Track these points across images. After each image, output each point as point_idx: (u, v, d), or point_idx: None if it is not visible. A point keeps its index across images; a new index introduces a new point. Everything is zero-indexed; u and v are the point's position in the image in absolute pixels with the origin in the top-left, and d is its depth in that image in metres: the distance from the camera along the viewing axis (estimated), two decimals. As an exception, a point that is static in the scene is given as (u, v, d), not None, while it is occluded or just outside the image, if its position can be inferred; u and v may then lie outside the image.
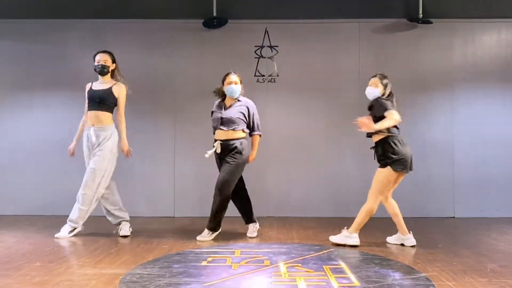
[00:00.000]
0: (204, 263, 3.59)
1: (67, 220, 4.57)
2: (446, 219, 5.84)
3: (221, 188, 4.34)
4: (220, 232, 4.58)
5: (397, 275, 3.24)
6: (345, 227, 4.32)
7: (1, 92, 6.09)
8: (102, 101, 4.57)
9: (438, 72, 6.04)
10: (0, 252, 3.90)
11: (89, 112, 4.62)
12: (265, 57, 6.09)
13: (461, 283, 3.04)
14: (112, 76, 4.73)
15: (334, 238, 4.31)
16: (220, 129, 4.42)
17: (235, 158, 4.38)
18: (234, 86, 4.47)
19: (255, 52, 6.09)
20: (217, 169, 4.59)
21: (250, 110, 4.52)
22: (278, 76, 6.09)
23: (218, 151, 4.41)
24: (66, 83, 6.00)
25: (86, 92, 4.71)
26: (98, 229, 4.94)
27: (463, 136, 6.03)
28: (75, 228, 4.57)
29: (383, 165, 4.16)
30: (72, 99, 5.87)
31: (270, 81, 6.09)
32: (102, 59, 4.63)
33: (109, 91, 4.62)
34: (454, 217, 5.96)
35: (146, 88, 6.08)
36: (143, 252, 3.94)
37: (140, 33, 6.10)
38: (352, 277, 3.19)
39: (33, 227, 5.05)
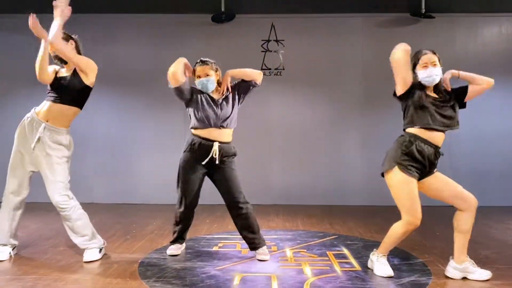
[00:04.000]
0: (215, 248, 3.85)
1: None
2: (444, 208, 6.03)
3: (244, 199, 3.52)
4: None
5: (395, 260, 3.48)
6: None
7: (16, 86, 6.30)
8: (66, 94, 3.40)
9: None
10: (24, 237, 4.17)
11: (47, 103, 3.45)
12: (271, 51, 6.28)
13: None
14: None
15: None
16: (220, 127, 3.45)
17: (231, 161, 3.55)
18: (204, 80, 3.50)
19: (261, 46, 6.28)
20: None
21: (237, 90, 3.58)
22: (283, 69, 6.28)
23: (216, 155, 3.40)
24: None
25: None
26: (112, 216, 5.20)
27: (465, 128, 6.12)
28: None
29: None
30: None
31: (276, 74, 6.29)
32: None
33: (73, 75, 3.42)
34: (453, 206, 6.17)
35: (156, 81, 6.26)
36: (157, 238, 4.20)
37: (149, 28, 6.30)
38: (354, 262, 3.44)
39: (51, 213, 5.25)
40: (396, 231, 3.09)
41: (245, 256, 3.58)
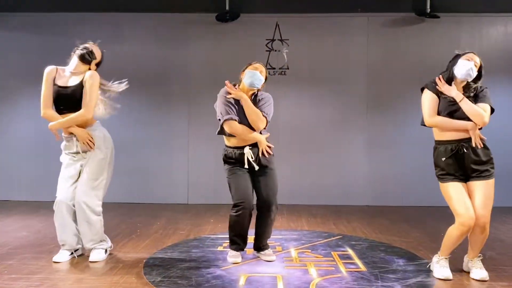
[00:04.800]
0: (220, 248, 3.85)
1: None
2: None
3: (276, 206, 3.54)
4: None
5: (401, 261, 3.48)
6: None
7: (20, 84, 6.33)
8: (74, 103, 3.42)
9: (445, 65, 6.17)
10: (30, 236, 4.20)
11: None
12: (276, 50, 6.27)
13: (460, 269, 3.26)
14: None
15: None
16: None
17: (270, 161, 3.56)
18: (259, 74, 3.48)
19: (266, 45, 6.27)
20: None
21: (269, 103, 3.60)
22: (288, 68, 6.28)
23: (252, 158, 3.44)
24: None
25: (51, 84, 3.48)
26: (116, 215, 5.22)
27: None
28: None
29: (490, 175, 3.08)
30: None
31: (280, 73, 6.29)
32: (91, 47, 3.54)
33: (80, 85, 3.42)
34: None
35: (161, 80, 6.32)
36: (162, 238, 4.21)
37: (155, 27, 6.31)
38: (359, 263, 3.44)
39: (56, 213, 5.32)
40: (452, 234, 3.07)
41: (250, 256, 3.59)
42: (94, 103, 3.43)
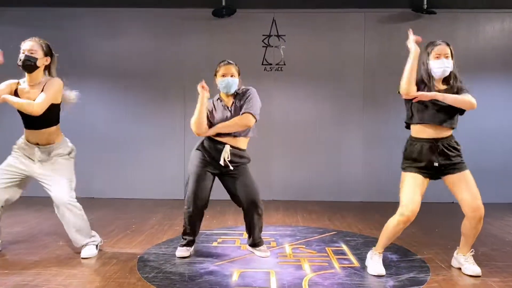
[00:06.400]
0: (214, 244, 3.86)
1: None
2: (445, 204, 6.06)
3: (258, 202, 3.44)
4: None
5: (394, 257, 3.49)
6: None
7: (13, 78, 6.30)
8: (38, 119, 3.20)
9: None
10: (24, 231, 4.20)
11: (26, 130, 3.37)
12: (272, 46, 6.26)
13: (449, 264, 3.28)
14: (48, 74, 3.32)
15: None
16: (234, 136, 3.38)
17: (245, 167, 3.47)
18: (230, 79, 3.39)
19: (262, 41, 6.25)
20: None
21: (249, 97, 3.40)
22: (285, 64, 6.26)
23: (228, 157, 3.34)
24: (78, 70, 6.19)
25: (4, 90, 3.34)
26: (112, 211, 5.21)
27: (465, 124, 6.12)
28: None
29: (464, 165, 3.13)
30: (84, 86, 6.07)
31: (277, 69, 6.27)
32: (28, 48, 3.20)
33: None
34: (453, 202, 6.17)
35: (157, 76, 6.30)
36: (157, 233, 4.21)
37: (151, 22, 6.28)
38: (353, 259, 3.45)
39: (49, 208, 5.24)
40: (389, 223, 3.09)
41: (244, 252, 3.59)
42: (47, 102, 3.14)
